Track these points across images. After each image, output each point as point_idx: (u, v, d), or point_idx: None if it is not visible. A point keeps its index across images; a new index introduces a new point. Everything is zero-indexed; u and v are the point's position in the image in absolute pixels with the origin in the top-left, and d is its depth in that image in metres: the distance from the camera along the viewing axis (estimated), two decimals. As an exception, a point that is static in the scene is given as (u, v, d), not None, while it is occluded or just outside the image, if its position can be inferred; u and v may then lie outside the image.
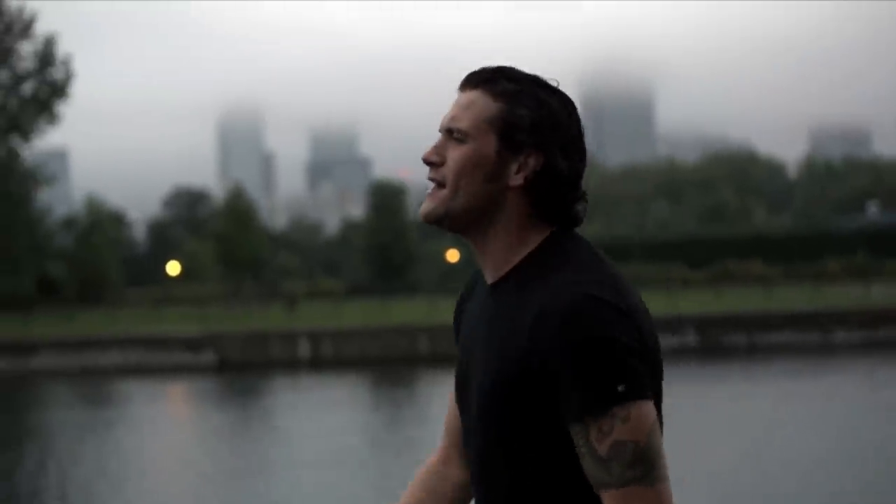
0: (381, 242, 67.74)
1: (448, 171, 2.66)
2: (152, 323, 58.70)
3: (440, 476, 2.96)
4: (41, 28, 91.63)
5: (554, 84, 2.69)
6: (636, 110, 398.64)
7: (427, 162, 2.69)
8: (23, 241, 67.53)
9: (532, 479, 2.61)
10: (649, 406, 2.53)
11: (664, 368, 2.65)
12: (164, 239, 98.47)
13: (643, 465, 2.51)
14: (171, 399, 44.50)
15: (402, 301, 64.01)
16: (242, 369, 51.06)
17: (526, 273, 2.63)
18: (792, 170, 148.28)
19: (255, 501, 21.68)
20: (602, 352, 2.49)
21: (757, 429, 27.83)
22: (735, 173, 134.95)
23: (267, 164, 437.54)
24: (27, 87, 68.44)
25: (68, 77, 68.09)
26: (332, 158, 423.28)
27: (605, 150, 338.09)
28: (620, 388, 2.49)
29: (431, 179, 2.68)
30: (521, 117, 2.63)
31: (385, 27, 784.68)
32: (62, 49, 68.99)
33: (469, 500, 2.92)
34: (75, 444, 30.12)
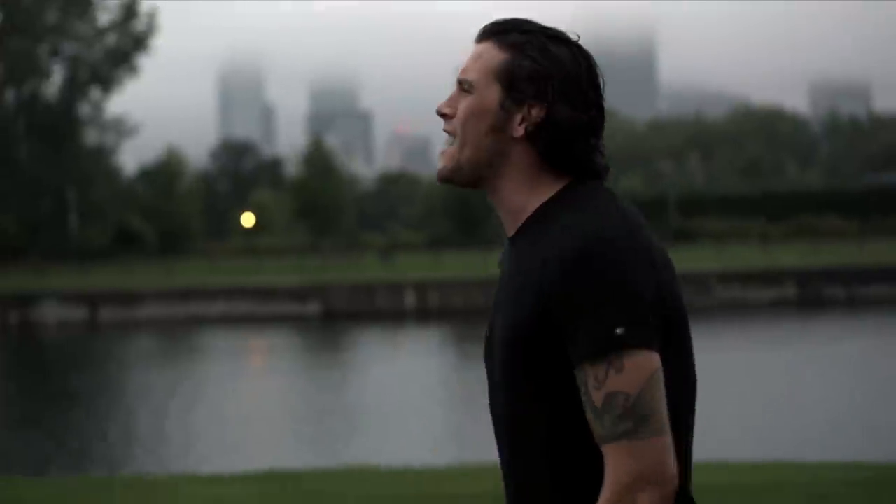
0: (461, 196, 68.38)
1: (457, 121, 2.66)
2: (248, 274, 59.40)
3: None
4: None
5: (572, 36, 2.67)
6: (637, 64, 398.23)
7: (440, 114, 2.69)
8: (103, 192, 68.14)
9: (554, 433, 2.55)
10: (649, 356, 2.46)
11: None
12: (212, 191, 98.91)
13: (634, 418, 2.44)
14: (276, 348, 44.95)
15: (485, 253, 64.85)
16: (348, 319, 51.81)
17: (540, 220, 2.60)
18: (816, 126, 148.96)
19: (340, 443, 21.71)
20: (606, 294, 2.45)
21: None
22: (763, 129, 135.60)
23: (267, 116, 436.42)
24: (110, 40, 68.86)
25: (151, 30, 68.61)
26: (332, 111, 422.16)
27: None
28: (619, 332, 2.44)
29: (445, 131, 2.68)
30: (523, 68, 2.61)
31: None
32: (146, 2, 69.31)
33: None
34: (189, 392, 30.41)
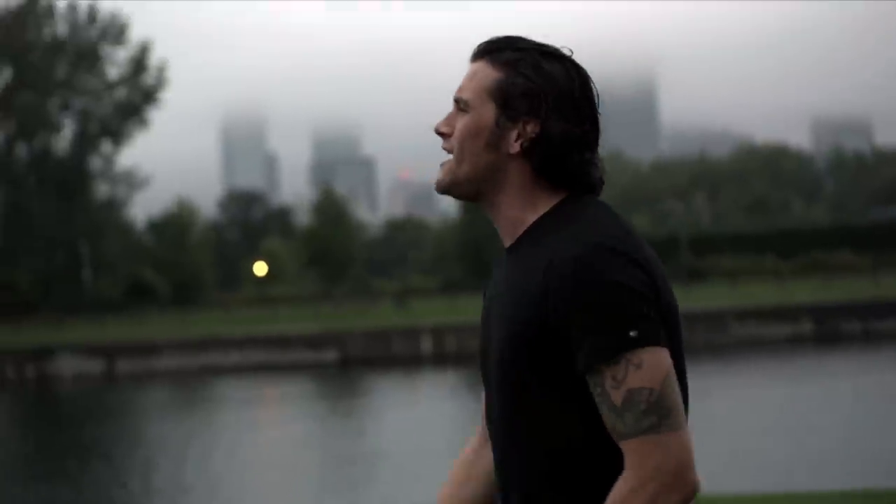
0: (474, 239, 68.60)
1: (455, 140, 2.70)
2: (262, 323, 59.49)
3: (478, 455, 2.93)
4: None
5: (566, 52, 2.72)
6: (639, 105, 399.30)
7: (438, 132, 2.74)
8: (115, 245, 68.34)
9: (553, 439, 2.58)
10: (663, 353, 2.51)
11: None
12: (222, 241, 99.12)
13: (657, 413, 2.48)
14: (289, 397, 44.76)
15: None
16: (364, 366, 51.79)
17: (538, 233, 2.64)
18: (820, 162, 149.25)
19: (356, 489, 21.86)
20: (613, 297, 2.49)
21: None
22: (768, 166, 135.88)
23: (270, 165, 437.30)
24: (120, 93, 69.23)
25: (160, 83, 69.01)
26: (335, 158, 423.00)
27: (607, 145, 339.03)
28: (633, 334, 2.48)
29: (444, 149, 2.73)
30: (516, 86, 2.66)
31: (385, 26, 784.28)
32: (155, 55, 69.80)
33: None
34: (208, 442, 30.51)
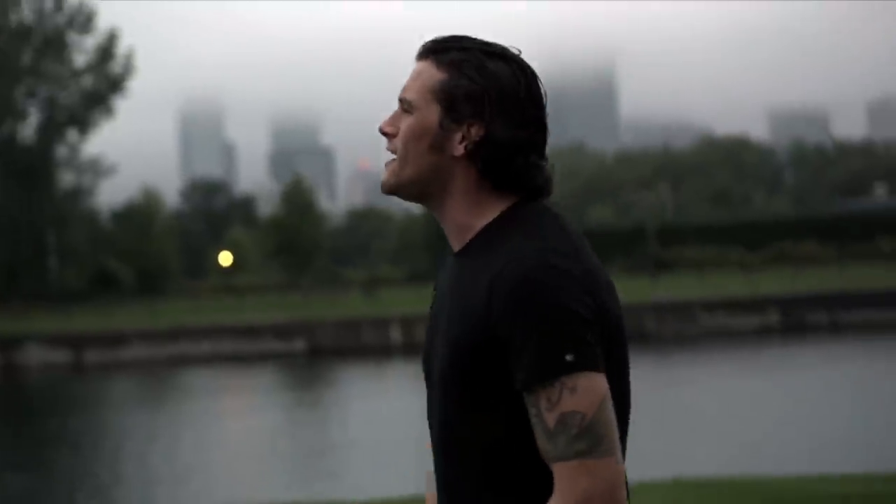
0: (441, 231, 68.16)
1: (399, 141, 2.67)
2: (229, 312, 59.34)
3: None
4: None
5: (513, 51, 2.67)
6: (598, 98, 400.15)
7: (382, 132, 2.70)
8: (80, 234, 67.96)
9: (491, 450, 2.57)
10: (600, 378, 2.49)
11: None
12: (186, 230, 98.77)
13: (590, 438, 2.46)
14: (259, 387, 44.65)
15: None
16: (333, 356, 51.76)
17: (485, 241, 2.60)
18: (781, 155, 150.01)
19: (325, 479, 21.87)
20: (552, 320, 2.47)
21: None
22: (730, 158, 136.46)
23: (228, 154, 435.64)
24: (86, 81, 68.82)
25: (127, 71, 68.65)
26: (294, 148, 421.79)
27: (568, 137, 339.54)
28: (569, 358, 2.46)
29: (388, 150, 2.70)
30: (460, 87, 2.62)
31: (343, 15, 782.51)
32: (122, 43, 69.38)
33: None
34: (178, 431, 30.57)
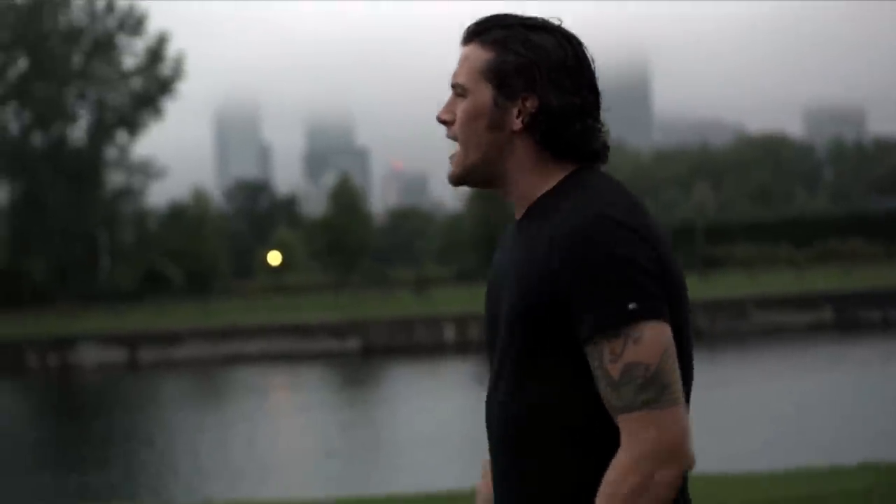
0: (489, 230, 68.77)
1: (457, 126, 2.70)
2: (281, 311, 59.59)
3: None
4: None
5: (554, 22, 2.71)
6: (632, 96, 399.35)
7: (440, 121, 2.73)
8: (131, 235, 68.50)
9: (554, 409, 2.56)
10: (663, 327, 2.48)
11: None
12: (233, 231, 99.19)
13: (655, 388, 2.46)
14: (314, 385, 44.71)
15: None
16: (387, 354, 51.90)
17: (544, 205, 2.64)
18: (820, 152, 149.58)
19: (380, 476, 21.95)
20: (613, 270, 2.48)
21: None
22: (768, 156, 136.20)
23: (264, 155, 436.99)
24: (135, 83, 69.32)
25: (177, 74, 69.13)
26: (329, 148, 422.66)
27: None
28: (632, 307, 2.47)
29: (448, 137, 2.72)
30: (508, 63, 2.65)
31: (379, 15, 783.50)
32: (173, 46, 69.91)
33: None
34: (232, 429, 30.53)
